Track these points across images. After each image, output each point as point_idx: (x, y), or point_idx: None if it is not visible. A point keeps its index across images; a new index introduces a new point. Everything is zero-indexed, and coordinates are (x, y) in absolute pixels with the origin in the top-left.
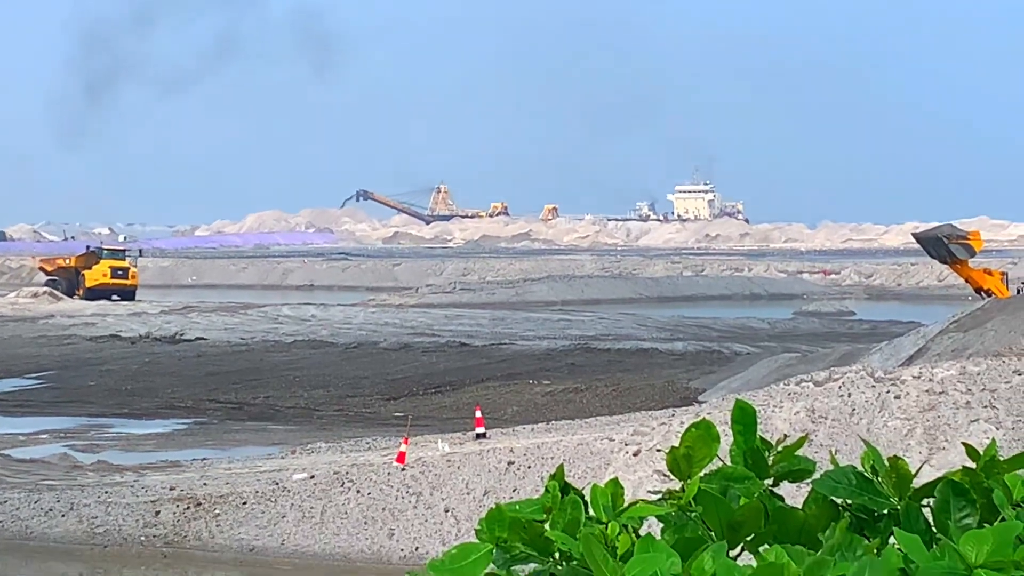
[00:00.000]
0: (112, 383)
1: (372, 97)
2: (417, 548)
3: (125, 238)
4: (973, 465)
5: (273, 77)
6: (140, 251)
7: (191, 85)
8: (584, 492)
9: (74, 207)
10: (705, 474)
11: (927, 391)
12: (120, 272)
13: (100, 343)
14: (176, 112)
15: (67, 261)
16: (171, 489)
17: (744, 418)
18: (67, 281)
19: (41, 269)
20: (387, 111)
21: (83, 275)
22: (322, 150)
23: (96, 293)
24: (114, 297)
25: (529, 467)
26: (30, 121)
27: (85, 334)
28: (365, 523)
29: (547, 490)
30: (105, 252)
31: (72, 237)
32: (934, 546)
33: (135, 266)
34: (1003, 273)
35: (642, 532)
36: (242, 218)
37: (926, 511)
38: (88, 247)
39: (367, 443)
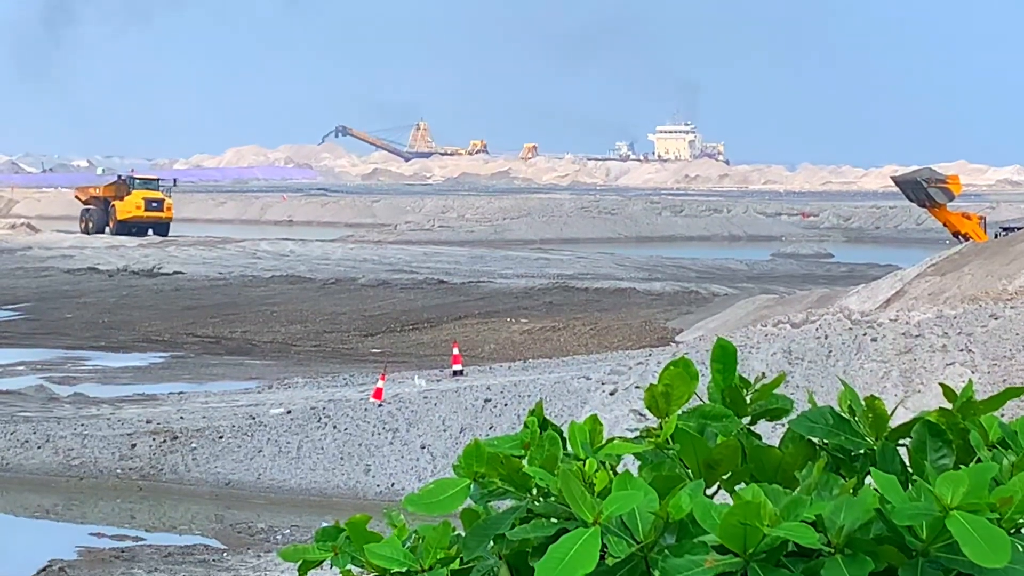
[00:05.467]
0: (89, 316)
1: (353, 32)
2: (393, 484)
3: (103, 170)
4: (949, 407)
5: (253, 10)
6: (175, 181)
7: (168, 16)
8: (562, 429)
9: (52, 140)
10: (683, 412)
11: (904, 334)
12: (155, 204)
13: (78, 275)
14: (155, 44)
15: (97, 191)
16: (147, 422)
17: (724, 357)
18: (96, 213)
19: (76, 198)
20: (368, 46)
21: (113, 207)
22: (302, 85)
23: (128, 227)
24: (149, 232)
25: (506, 405)
26: None
27: (63, 266)
28: (341, 458)
29: (526, 426)
30: (137, 182)
31: (50, 169)
32: (910, 486)
33: (170, 197)
34: (981, 217)
35: (619, 470)
36: (221, 152)
37: (902, 452)
38: (119, 176)
39: (344, 379)
